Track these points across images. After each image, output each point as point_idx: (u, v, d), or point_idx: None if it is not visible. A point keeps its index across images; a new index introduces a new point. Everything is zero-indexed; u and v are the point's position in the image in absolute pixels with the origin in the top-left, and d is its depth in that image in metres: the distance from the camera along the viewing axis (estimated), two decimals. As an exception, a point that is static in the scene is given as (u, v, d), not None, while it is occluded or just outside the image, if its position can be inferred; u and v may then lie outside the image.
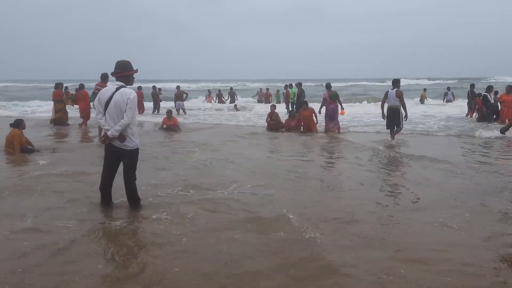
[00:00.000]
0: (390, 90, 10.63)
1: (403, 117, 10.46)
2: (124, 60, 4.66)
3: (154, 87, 21.59)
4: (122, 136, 4.47)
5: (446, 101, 23.93)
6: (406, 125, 11.75)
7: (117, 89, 4.50)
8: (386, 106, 10.67)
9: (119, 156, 4.63)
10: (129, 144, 4.56)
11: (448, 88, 24.86)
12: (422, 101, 25.77)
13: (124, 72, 4.60)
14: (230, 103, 27.31)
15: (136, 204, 4.78)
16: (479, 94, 15.94)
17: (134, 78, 4.74)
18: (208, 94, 29.45)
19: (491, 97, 14.85)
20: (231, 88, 29.51)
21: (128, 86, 4.61)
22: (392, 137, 10.69)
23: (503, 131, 7.03)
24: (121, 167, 4.72)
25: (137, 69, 4.71)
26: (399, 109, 10.42)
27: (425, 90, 27.61)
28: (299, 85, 18.02)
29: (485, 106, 14.90)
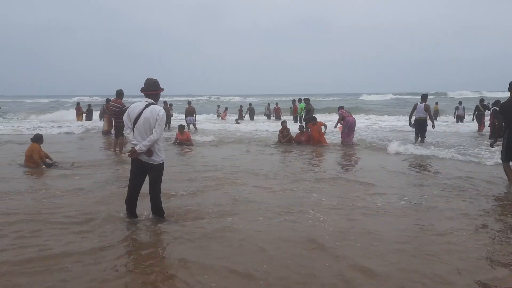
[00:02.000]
0: (419, 103, 12.19)
1: (431, 126, 12.34)
2: (154, 79, 4.82)
3: (165, 102, 21.84)
4: (149, 151, 4.60)
5: (456, 116, 23.73)
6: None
7: (147, 105, 4.64)
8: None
9: (145, 170, 4.74)
10: (156, 159, 4.68)
11: (460, 103, 24.35)
12: (435, 115, 25.74)
13: (154, 90, 4.77)
14: (250, 119, 27.73)
15: (160, 217, 4.88)
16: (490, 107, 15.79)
17: (160, 96, 4.89)
18: (224, 110, 29.65)
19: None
20: (250, 104, 29.81)
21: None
22: (420, 141, 12.21)
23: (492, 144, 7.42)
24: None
25: (163, 88, 4.85)
26: (426, 120, 12.15)
27: (437, 103, 27.75)
28: (307, 100, 18.26)
29: (496, 120, 14.75)
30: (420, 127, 12.33)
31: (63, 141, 14.73)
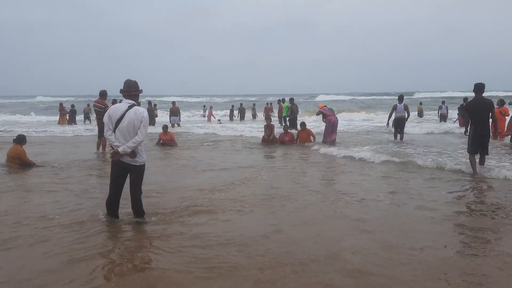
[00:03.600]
0: (398, 104, 13.45)
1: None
2: (133, 80, 4.82)
3: (149, 102, 21.75)
4: (133, 152, 4.60)
5: (440, 115, 24.15)
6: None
7: (130, 107, 4.63)
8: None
9: (126, 172, 4.74)
10: (139, 160, 4.70)
11: (443, 102, 24.84)
12: (420, 114, 27.09)
13: (134, 91, 4.78)
14: (240, 119, 27.91)
15: (141, 218, 4.88)
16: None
17: (139, 97, 4.92)
18: (209, 109, 29.61)
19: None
20: (241, 104, 29.94)
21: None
22: (400, 138, 13.51)
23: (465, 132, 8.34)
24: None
25: (142, 90, 4.86)
26: (405, 118, 13.41)
27: (421, 103, 28.80)
28: (291, 100, 18.44)
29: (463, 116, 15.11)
30: (399, 126, 13.55)
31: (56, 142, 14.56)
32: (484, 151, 7.97)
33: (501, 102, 13.94)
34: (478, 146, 7.86)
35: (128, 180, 4.82)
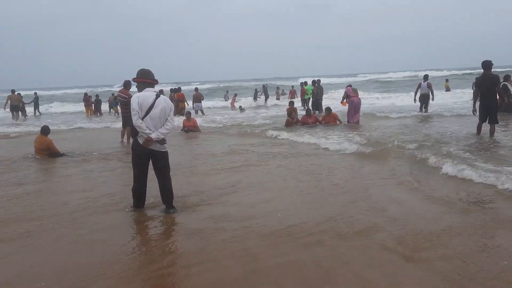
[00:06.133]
0: (422, 82, 15.37)
1: (431, 99, 15.53)
2: (149, 69, 4.87)
3: (177, 88, 21.78)
4: (163, 139, 4.69)
5: (474, 92, 23.46)
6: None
7: (158, 96, 4.70)
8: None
9: (150, 159, 4.78)
10: (166, 146, 4.82)
11: (477, 79, 24.26)
12: (447, 91, 27.39)
13: (155, 80, 4.85)
14: (265, 101, 27.92)
15: (170, 204, 4.91)
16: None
17: None
18: (232, 96, 29.54)
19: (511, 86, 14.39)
20: (264, 86, 29.91)
21: None
22: (425, 112, 15.41)
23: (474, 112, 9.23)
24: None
25: (157, 80, 4.91)
26: (429, 95, 15.33)
27: (447, 80, 29.49)
28: (313, 82, 18.15)
29: (506, 95, 14.41)
30: (424, 101, 15.52)
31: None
32: (492, 120, 8.91)
33: None
34: (485, 115, 8.95)
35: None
